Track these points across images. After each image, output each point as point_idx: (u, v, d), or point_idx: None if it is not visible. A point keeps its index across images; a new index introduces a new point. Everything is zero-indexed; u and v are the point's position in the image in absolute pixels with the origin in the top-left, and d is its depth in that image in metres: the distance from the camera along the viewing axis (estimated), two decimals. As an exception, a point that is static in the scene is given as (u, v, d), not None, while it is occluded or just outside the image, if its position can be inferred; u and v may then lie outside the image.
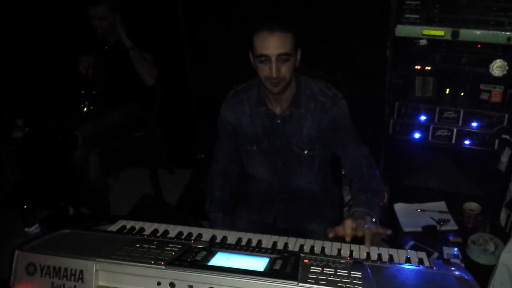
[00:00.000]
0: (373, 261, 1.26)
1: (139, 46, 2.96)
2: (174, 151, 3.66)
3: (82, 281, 1.15)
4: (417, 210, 2.56)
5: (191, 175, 3.66)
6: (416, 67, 2.63)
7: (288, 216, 2.05)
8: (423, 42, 2.56)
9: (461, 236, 2.32)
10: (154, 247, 1.24)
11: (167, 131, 3.35)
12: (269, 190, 2.04)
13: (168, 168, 3.68)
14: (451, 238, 2.34)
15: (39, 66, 3.49)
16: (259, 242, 1.42)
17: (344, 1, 3.15)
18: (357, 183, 1.85)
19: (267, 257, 1.21)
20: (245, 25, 1.97)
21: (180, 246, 1.25)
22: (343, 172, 2.15)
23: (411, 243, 2.29)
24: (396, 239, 2.37)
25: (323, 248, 1.37)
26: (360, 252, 1.37)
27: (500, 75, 2.46)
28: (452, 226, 2.41)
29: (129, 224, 1.48)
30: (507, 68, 2.43)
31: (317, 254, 1.27)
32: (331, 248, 1.39)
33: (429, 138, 2.69)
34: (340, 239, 1.48)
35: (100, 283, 1.16)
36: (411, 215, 2.52)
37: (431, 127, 2.67)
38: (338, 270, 1.14)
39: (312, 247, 1.38)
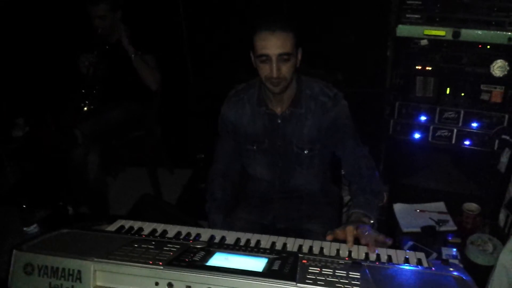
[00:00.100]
0: (372, 261, 1.26)
1: (140, 47, 2.95)
2: (174, 150, 3.66)
3: (80, 281, 1.15)
4: (416, 210, 2.56)
5: (191, 175, 3.65)
6: (416, 67, 2.63)
7: (288, 215, 2.05)
8: (424, 42, 2.56)
9: (460, 236, 2.32)
10: (152, 247, 1.24)
11: (167, 131, 3.36)
12: (269, 189, 2.04)
13: (167, 168, 3.68)
14: (450, 238, 2.34)
15: (40, 64, 3.49)
16: (258, 242, 1.42)
17: (345, 0, 3.15)
18: (356, 184, 1.85)
19: (266, 257, 1.21)
20: (246, 24, 1.97)
21: (178, 246, 1.25)
22: (343, 172, 2.15)
23: (410, 243, 2.29)
24: (395, 239, 2.36)
25: (321, 249, 1.37)
26: (358, 252, 1.37)
27: (501, 76, 2.45)
28: (451, 226, 2.40)
29: (127, 224, 1.48)
30: (508, 68, 2.43)
31: (315, 255, 1.26)
32: (329, 248, 1.39)
33: (429, 138, 2.69)
34: (339, 240, 1.48)
35: (98, 283, 1.16)
36: (410, 215, 2.52)
37: (431, 127, 2.67)
38: (336, 271, 1.14)
39: (310, 248, 1.37)
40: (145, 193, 2.64)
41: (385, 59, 2.69)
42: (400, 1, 2.54)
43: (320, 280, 1.09)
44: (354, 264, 1.19)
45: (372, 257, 1.33)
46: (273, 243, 1.41)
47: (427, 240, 2.29)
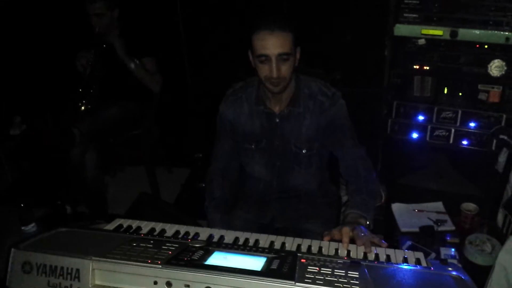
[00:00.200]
0: (371, 261, 1.26)
1: (139, 49, 2.95)
2: (172, 149, 3.66)
3: (79, 280, 1.15)
4: (414, 210, 2.55)
5: (189, 174, 3.65)
6: (414, 66, 2.63)
7: (286, 215, 2.05)
8: (421, 41, 2.56)
9: (458, 236, 2.32)
10: (151, 246, 1.24)
11: (165, 130, 3.35)
12: (267, 189, 2.04)
13: (166, 167, 3.68)
14: (448, 238, 2.34)
15: (37, 63, 3.48)
16: (256, 241, 1.42)
17: (343, 0, 3.15)
18: (353, 184, 1.85)
19: (264, 256, 1.21)
20: (244, 24, 1.97)
21: (177, 245, 1.24)
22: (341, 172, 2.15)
23: (408, 243, 2.29)
24: (393, 239, 2.36)
25: (320, 248, 1.37)
26: (357, 252, 1.37)
27: (499, 75, 2.46)
28: (449, 226, 2.40)
29: (126, 223, 1.48)
30: (505, 68, 2.43)
31: (314, 254, 1.26)
32: (328, 248, 1.39)
33: (427, 138, 2.69)
34: (336, 240, 1.48)
35: (97, 282, 1.16)
36: (408, 215, 2.52)
37: (429, 127, 2.67)
38: (335, 270, 1.14)
39: (309, 247, 1.38)
40: (143, 192, 2.64)
41: (382, 59, 2.69)
42: (397, 1, 2.54)
43: (319, 279, 1.09)
44: (353, 264, 1.19)
45: (371, 256, 1.33)
46: (272, 243, 1.41)
47: (426, 240, 2.29)
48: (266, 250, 1.26)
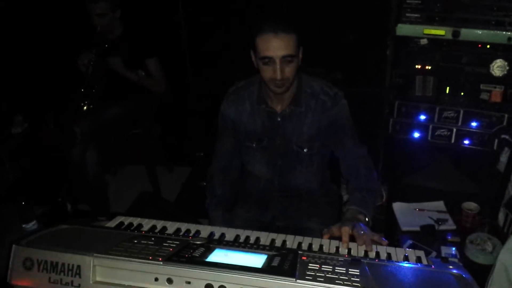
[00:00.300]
0: (371, 259, 1.26)
1: (142, 49, 2.96)
2: (173, 148, 3.66)
3: (80, 276, 1.15)
4: (415, 209, 2.55)
5: (190, 173, 3.65)
6: (416, 66, 2.63)
7: (287, 214, 2.05)
8: (423, 41, 2.56)
9: (459, 235, 2.32)
10: (152, 243, 1.24)
11: (166, 129, 3.35)
12: (268, 187, 2.04)
13: (167, 166, 3.68)
14: (449, 237, 2.33)
15: (39, 63, 3.48)
16: (257, 239, 1.42)
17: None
18: (354, 183, 1.85)
19: (265, 254, 1.21)
20: (245, 24, 1.97)
21: (178, 242, 1.24)
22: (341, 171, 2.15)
23: (409, 242, 2.29)
24: (394, 238, 2.36)
25: (321, 246, 1.37)
26: (358, 250, 1.37)
27: (501, 75, 2.45)
28: (450, 225, 2.40)
29: (127, 220, 1.48)
30: (507, 68, 2.43)
31: (315, 252, 1.26)
32: (329, 245, 1.38)
33: (429, 138, 2.69)
34: (337, 237, 1.48)
35: (98, 279, 1.16)
36: (409, 214, 2.52)
37: (430, 127, 2.67)
38: (336, 268, 1.13)
39: (310, 245, 1.37)
40: (144, 191, 2.64)
41: (384, 58, 2.69)
42: (399, 0, 2.54)
43: (320, 277, 1.09)
44: (354, 261, 1.19)
45: (372, 254, 1.33)
46: (273, 240, 1.41)
47: (427, 239, 2.29)
48: (267, 248, 1.26)
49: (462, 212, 2.38)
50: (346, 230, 1.46)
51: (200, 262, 1.14)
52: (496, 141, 2.51)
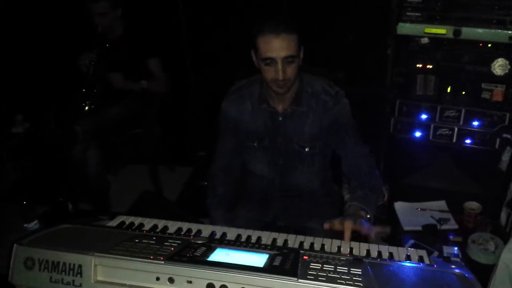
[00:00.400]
0: (373, 258, 1.26)
1: (143, 49, 2.96)
2: (174, 148, 3.66)
3: (81, 276, 1.15)
4: (417, 209, 2.55)
5: (191, 173, 3.65)
6: (417, 65, 2.62)
7: (288, 213, 2.05)
8: (424, 40, 2.56)
9: (461, 235, 2.32)
10: (153, 242, 1.23)
11: (167, 128, 3.35)
12: (269, 187, 2.04)
13: (168, 166, 3.68)
14: (451, 237, 2.33)
15: (39, 62, 3.48)
16: (259, 238, 1.41)
17: (345, -1, 3.16)
18: (356, 180, 1.85)
19: (267, 253, 1.20)
20: (246, 24, 1.97)
21: (179, 242, 1.24)
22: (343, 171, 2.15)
23: (411, 242, 2.29)
24: (396, 237, 2.36)
25: (322, 245, 1.37)
26: (360, 249, 1.36)
27: (502, 74, 2.45)
28: (452, 225, 2.40)
29: (128, 219, 1.47)
30: (508, 67, 2.42)
31: (316, 251, 1.26)
32: (330, 245, 1.38)
33: (430, 137, 2.68)
34: (340, 236, 1.48)
35: (99, 278, 1.16)
36: (411, 214, 2.52)
37: (432, 126, 2.66)
38: (338, 267, 1.13)
39: (311, 244, 1.37)
40: (145, 190, 2.64)
41: (385, 58, 2.68)
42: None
43: (321, 276, 1.08)
44: (356, 261, 1.19)
45: (374, 254, 1.33)
46: (274, 240, 1.41)
47: (428, 238, 2.29)
48: (269, 247, 1.26)
49: (464, 212, 2.38)
50: (348, 226, 1.46)
51: (202, 261, 1.14)
52: (498, 140, 2.50)
